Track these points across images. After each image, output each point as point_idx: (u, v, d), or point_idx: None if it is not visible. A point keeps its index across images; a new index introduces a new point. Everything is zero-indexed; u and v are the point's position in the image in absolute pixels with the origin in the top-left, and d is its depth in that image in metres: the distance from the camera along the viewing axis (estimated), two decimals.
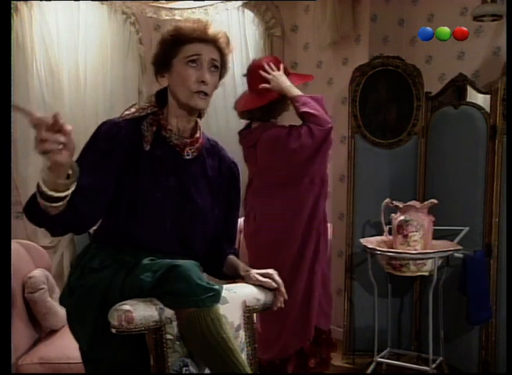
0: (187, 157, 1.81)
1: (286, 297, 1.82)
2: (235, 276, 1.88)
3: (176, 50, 1.76)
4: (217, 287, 1.62)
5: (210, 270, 1.86)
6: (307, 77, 3.14)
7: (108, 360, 1.68)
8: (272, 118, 2.89)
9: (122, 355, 1.67)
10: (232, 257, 1.91)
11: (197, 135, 1.85)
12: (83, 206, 1.60)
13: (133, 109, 1.85)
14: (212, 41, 1.77)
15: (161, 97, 1.84)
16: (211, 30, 1.77)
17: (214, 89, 1.80)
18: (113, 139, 1.72)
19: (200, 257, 1.79)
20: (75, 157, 1.64)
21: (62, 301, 1.86)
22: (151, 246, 1.73)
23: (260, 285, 1.80)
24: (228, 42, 1.82)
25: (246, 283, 1.82)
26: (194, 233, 1.81)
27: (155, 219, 1.74)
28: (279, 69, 2.83)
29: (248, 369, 1.58)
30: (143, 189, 1.74)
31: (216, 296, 1.60)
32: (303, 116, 2.74)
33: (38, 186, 1.48)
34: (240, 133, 2.98)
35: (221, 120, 4.06)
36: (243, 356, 1.74)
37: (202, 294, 1.56)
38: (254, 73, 2.85)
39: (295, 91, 2.78)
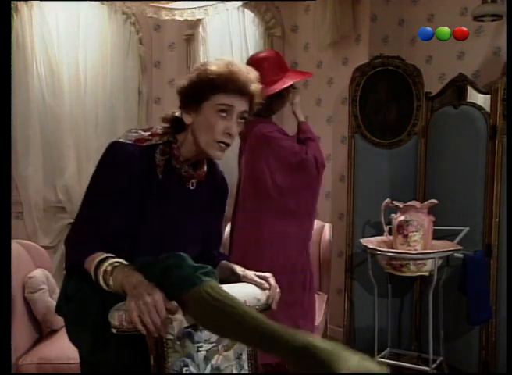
0: (191, 188, 1.82)
1: (274, 306, 1.81)
2: (228, 279, 1.87)
3: (211, 95, 1.71)
4: (208, 266, 1.64)
5: None
6: (306, 74, 3.14)
7: (109, 361, 1.68)
8: (270, 114, 2.89)
9: (122, 356, 1.67)
10: (225, 261, 1.93)
11: (204, 169, 1.84)
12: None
13: (147, 133, 1.78)
14: (249, 95, 1.74)
15: (176, 123, 1.80)
16: (252, 87, 1.74)
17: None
18: (132, 175, 1.69)
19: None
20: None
21: (58, 310, 1.84)
22: None
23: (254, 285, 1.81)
24: (261, 95, 1.79)
25: (242, 282, 1.83)
26: (189, 251, 1.80)
27: (155, 243, 1.75)
28: (281, 64, 2.86)
29: (261, 316, 1.54)
30: (150, 216, 1.73)
31: (209, 272, 1.61)
32: None
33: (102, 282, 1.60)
34: None
35: None
36: (243, 356, 1.75)
37: (196, 272, 1.58)
38: (253, 67, 2.85)
39: None
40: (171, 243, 1.77)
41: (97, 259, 1.61)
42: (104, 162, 1.73)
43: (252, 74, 1.76)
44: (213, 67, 1.72)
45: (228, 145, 1.74)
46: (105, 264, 1.59)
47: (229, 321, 1.52)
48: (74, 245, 1.71)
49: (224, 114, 1.71)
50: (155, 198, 1.74)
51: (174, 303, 1.57)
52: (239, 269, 1.87)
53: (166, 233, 1.77)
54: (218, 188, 1.95)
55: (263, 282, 1.81)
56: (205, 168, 1.85)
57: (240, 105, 1.73)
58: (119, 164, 1.70)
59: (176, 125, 1.80)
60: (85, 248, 1.67)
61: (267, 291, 1.80)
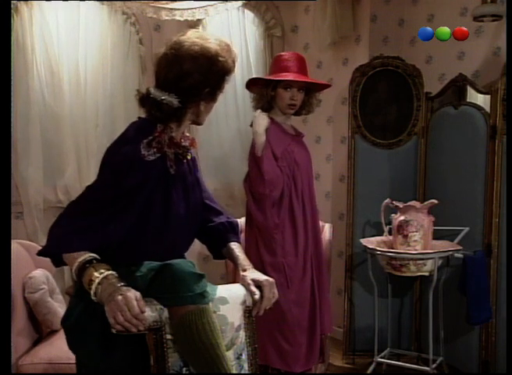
0: (184, 160, 1.79)
1: (258, 312, 1.77)
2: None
3: (188, 103, 1.71)
4: (206, 287, 1.61)
5: (209, 246, 1.91)
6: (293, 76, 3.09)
7: (110, 363, 1.66)
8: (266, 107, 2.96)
9: (123, 356, 1.66)
10: (235, 246, 1.88)
11: (190, 136, 1.85)
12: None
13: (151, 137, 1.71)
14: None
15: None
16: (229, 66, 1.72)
17: None
18: (144, 176, 1.64)
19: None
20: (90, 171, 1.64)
21: (63, 322, 1.80)
22: (152, 258, 1.68)
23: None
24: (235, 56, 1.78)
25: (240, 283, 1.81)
26: (192, 227, 1.82)
27: (170, 232, 1.71)
28: (303, 66, 2.93)
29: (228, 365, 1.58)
30: (170, 208, 1.69)
31: (203, 295, 1.59)
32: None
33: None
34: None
35: (221, 121, 4.08)
36: (243, 356, 1.74)
37: (192, 291, 1.56)
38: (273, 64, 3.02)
39: None
40: (185, 225, 1.74)
41: (79, 260, 1.60)
42: (113, 161, 1.67)
43: (230, 59, 1.71)
44: (222, 59, 1.67)
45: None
46: (95, 275, 1.57)
47: (201, 358, 1.56)
48: (59, 236, 1.64)
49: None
50: (173, 192, 1.70)
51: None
52: (241, 268, 1.82)
53: (182, 218, 1.73)
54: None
55: (255, 291, 1.75)
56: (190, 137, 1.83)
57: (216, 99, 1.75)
58: (132, 161, 1.63)
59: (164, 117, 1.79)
60: (72, 242, 1.62)
61: (256, 297, 1.74)
